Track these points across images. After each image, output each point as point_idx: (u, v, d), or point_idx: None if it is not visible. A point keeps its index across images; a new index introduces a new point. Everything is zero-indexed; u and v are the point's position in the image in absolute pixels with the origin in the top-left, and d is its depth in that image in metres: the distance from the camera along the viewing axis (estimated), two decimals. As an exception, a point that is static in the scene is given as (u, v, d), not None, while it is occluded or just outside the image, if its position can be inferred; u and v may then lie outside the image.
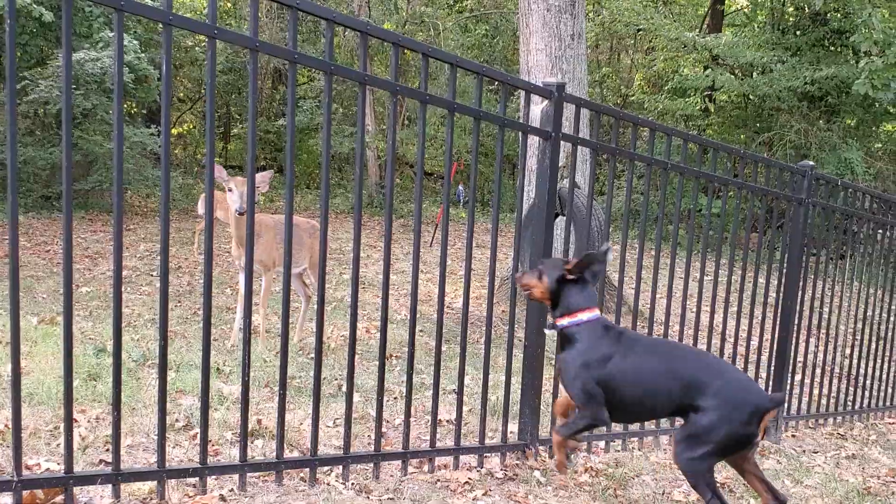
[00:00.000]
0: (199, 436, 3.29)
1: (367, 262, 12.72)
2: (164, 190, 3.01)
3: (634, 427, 4.91)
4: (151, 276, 11.31)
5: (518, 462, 4.25)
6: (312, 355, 6.73)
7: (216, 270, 11.49)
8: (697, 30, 20.62)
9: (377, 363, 6.15)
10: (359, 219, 3.60)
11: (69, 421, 2.89)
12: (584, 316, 3.38)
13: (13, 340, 2.79)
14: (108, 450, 3.58)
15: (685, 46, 18.50)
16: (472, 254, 4.05)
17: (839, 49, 17.33)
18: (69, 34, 2.72)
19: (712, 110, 19.49)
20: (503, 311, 9.18)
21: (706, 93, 19.21)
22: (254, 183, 3.33)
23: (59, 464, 3.18)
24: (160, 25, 3.00)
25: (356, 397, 4.73)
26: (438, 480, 3.81)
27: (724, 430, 3.15)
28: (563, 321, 3.40)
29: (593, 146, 4.35)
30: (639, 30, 19.73)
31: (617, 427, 4.84)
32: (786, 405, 5.81)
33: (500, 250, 7.79)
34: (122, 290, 8.94)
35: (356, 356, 6.14)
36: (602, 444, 4.72)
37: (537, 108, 4.05)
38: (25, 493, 2.82)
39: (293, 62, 3.18)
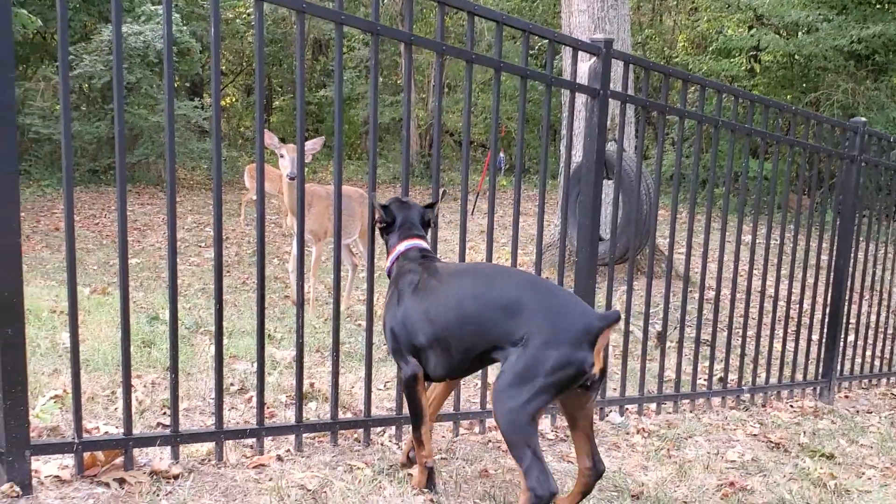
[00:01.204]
0: (254, 398, 3.33)
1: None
2: (216, 157, 3.03)
3: (686, 389, 4.88)
4: (200, 247, 11.45)
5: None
6: (359, 322, 6.83)
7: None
8: (742, -11, 20.22)
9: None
10: (406, 185, 3.59)
11: (127, 384, 2.94)
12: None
13: (71, 308, 2.83)
14: (164, 413, 3.63)
15: (729, 6, 18.18)
16: (519, 219, 4.02)
17: (886, 6, 16.89)
18: (119, 9, 2.72)
19: (758, 71, 19.15)
20: (547, 276, 9.15)
21: (751, 53, 18.86)
22: (303, 148, 3.33)
23: (117, 427, 3.23)
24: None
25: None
26: (490, 441, 3.82)
27: (550, 358, 2.54)
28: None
29: (642, 103, 4.28)
30: (682, -11, 19.42)
31: (668, 388, 4.81)
32: (838, 367, 5.74)
33: (549, 216, 7.72)
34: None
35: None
36: (653, 406, 4.70)
37: (585, 66, 3.99)
38: (86, 454, 2.87)
39: (339, 24, 3.17)
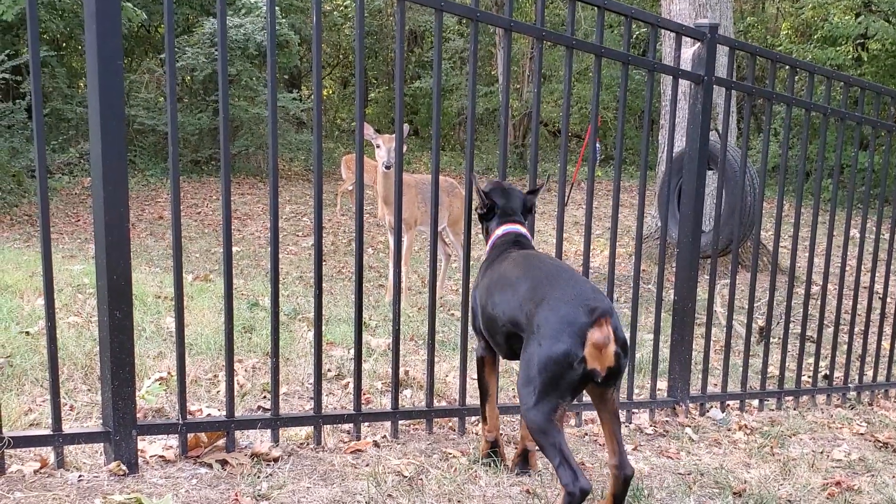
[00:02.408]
0: (351, 384, 3.35)
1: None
2: (317, 148, 3.05)
3: (790, 385, 4.74)
4: (297, 236, 11.64)
5: (668, 419, 4.16)
6: (452, 311, 6.84)
7: (357, 231, 11.72)
8: (849, -26, 19.51)
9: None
10: (503, 174, 3.56)
11: (230, 368, 2.99)
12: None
13: (177, 293, 2.89)
14: (265, 397, 3.69)
15: (836, -8, 17.57)
16: (618, 211, 3.95)
17: None
18: (224, 2, 2.77)
19: (865, 59, 18.45)
20: (644, 269, 9.01)
21: (858, 41, 18.19)
22: (402, 138, 3.34)
23: (219, 410, 3.29)
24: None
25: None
26: (586, 434, 3.77)
27: (538, 354, 2.51)
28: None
29: (748, 90, 4.16)
30: (786, -24, 18.84)
31: (771, 385, 4.68)
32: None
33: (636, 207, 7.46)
34: (268, 249, 9.28)
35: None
36: (756, 402, 4.57)
37: (688, 51, 3.90)
38: (190, 436, 2.93)
39: (439, 10, 3.15)
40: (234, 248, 10.22)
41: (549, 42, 3.54)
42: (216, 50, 15.55)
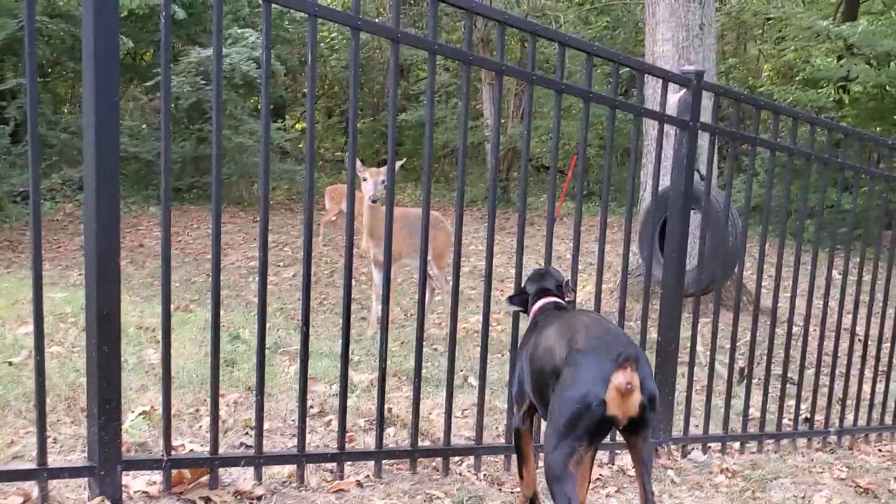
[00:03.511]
0: (333, 421, 3.35)
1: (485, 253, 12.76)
2: (309, 181, 3.07)
3: (771, 428, 4.76)
4: (278, 266, 11.60)
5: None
6: (435, 346, 6.82)
7: (340, 261, 11.70)
8: (831, 18, 19.81)
9: (499, 356, 6.17)
10: (492, 209, 3.58)
11: (215, 404, 2.98)
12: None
13: (164, 326, 2.89)
14: (247, 433, 3.67)
15: (818, 35, 17.82)
16: (604, 248, 3.97)
17: (985, 35, 16.38)
18: (220, 34, 2.79)
19: (846, 102, 18.69)
20: (628, 306, 9.00)
21: (840, 83, 18.44)
22: (394, 172, 3.36)
23: (202, 445, 3.28)
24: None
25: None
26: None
27: (562, 400, 2.54)
28: None
29: (732, 135, 4.21)
30: (768, 19, 19.10)
31: (752, 427, 4.70)
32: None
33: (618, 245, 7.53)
34: (250, 279, 9.16)
35: (478, 348, 6.15)
36: (737, 444, 4.58)
37: (674, 97, 3.95)
38: (174, 472, 2.92)
39: (433, 53, 3.18)
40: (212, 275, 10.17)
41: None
42: (202, 79, 15.71)
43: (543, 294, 3.35)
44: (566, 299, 3.38)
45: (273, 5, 2.84)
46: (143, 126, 16.81)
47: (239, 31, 16.26)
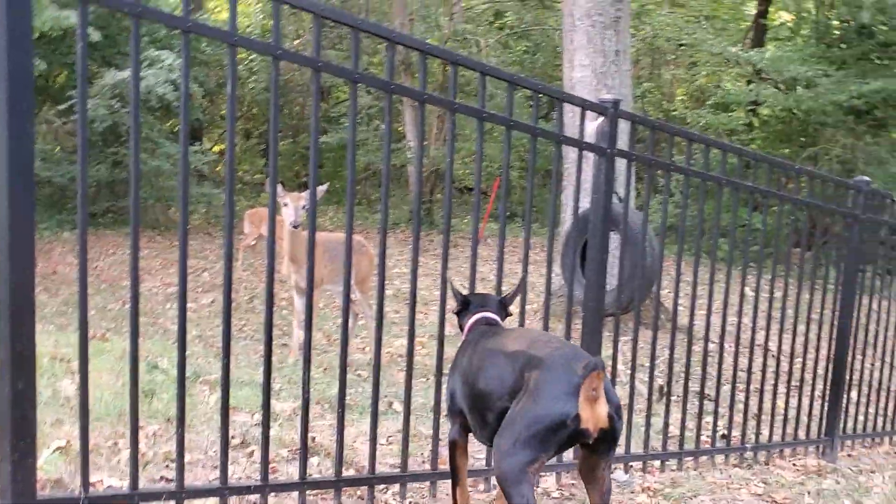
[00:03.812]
0: (256, 452, 3.30)
1: (410, 276, 12.74)
2: (229, 204, 3.04)
3: (690, 445, 4.85)
4: (196, 292, 11.40)
5: (574, 482, 4.20)
6: (359, 372, 6.79)
7: (260, 286, 11.56)
8: (740, 44, 20.45)
9: (424, 380, 6.18)
10: (417, 233, 3.59)
11: (135, 439, 2.91)
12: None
13: (81, 358, 2.82)
14: (167, 466, 3.60)
15: (728, 61, 18.37)
16: (527, 268, 4.02)
17: (886, 62, 17.08)
18: (137, 58, 2.75)
19: (756, 125, 19.30)
20: (553, 327, 9.08)
21: (750, 107, 19.03)
22: (315, 197, 3.35)
23: (120, 480, 3.20)
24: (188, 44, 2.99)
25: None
26: (494, 500, 3.78)
27: (529, 411, 2.55)
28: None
29: (648, 162, 4.32)
30: (681, 45, 19.60)
31: (671, 445, 4.79)
32: (841, 424, 5.71)
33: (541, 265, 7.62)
34: (167, 306, 8.99)
35: (402, 372, 6.13)
36: (657, 463, 4.66)
37: (592, 125, 4.03)
38: (92, 508, 2.84)
39: (354, 82, 3.19)
40: (128, 305, 9.95)
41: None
42: (117, 102, 15.40)
43: (480, 308, 3.38)
44: (506, 315, 3.43)
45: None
46: (57, 149, 16.39)
47: (155, 52, 16.01)
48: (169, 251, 14.45)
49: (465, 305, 3.44)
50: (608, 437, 2.60)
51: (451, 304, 3.53)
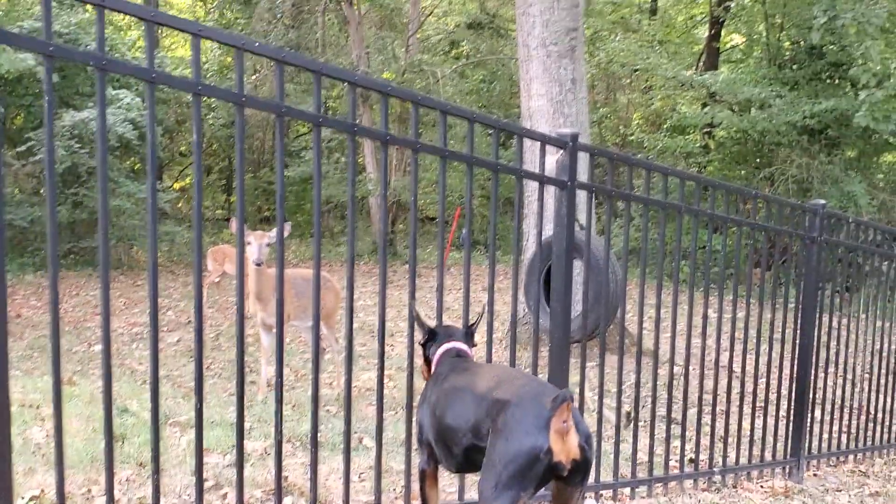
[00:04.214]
0: (231, 495, 3.32)
1: (375, 308, 12.74)
2: (197, 247, 3.06)
3: (659, 471, 4.90)
4: (162, 331, 11.32)
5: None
6: (327, 407, 6.78)
7: (225, 323, 11.52)
8: (694, 68, 20.82)
9: (393, 413, 6.19)
10: (384, 267, 3.63)
11: (110, 489, 2.91)
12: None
13: (56, 408, 2.83)
14: (141, 513, 3.59)
15: (682, 85, 18.67)
16: (493, 297, 4.07)
17: (837, 82, 17.45)
18: (103, 101, 2.79)
19: (712, 147, 19.60)
20: (519, 355, 9.12)
21: (705, 130, 19.32)
22: (283, 236, 3.40)
23: (94, 529, 3.19)
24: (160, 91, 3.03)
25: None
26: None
27: (503, 449, 2.58)
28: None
29: (608, 192, 4.41)
30: (635, 70, 19.91)
31: (641, 472, 4.84)
32: (806, 444, 5.79)
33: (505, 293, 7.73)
34: (133, 346, 8.87)
35: (371, 407, 6.13)
36: (627, 490, 4.71)
37: (552, 158, 4.11)
38: (66, 560, 2.83)
39: (318, 125, 3.24)
40: (97, 347, 9.87)
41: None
42: (76, 142, 15.31)
43: (447, 339, 3.45)
44: (473, 345, 3.48)
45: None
46: (17, 192, 16.24)
47: (114, 92, 16.00)
48: (132, 290, 14.36)
49: (432, 336, 3.49)
50: (580, 467, 2.64)
51: (418, 335, 3.58)
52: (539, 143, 4.09)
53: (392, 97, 3.45)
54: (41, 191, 16.50)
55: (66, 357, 9.38)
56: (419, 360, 3.63)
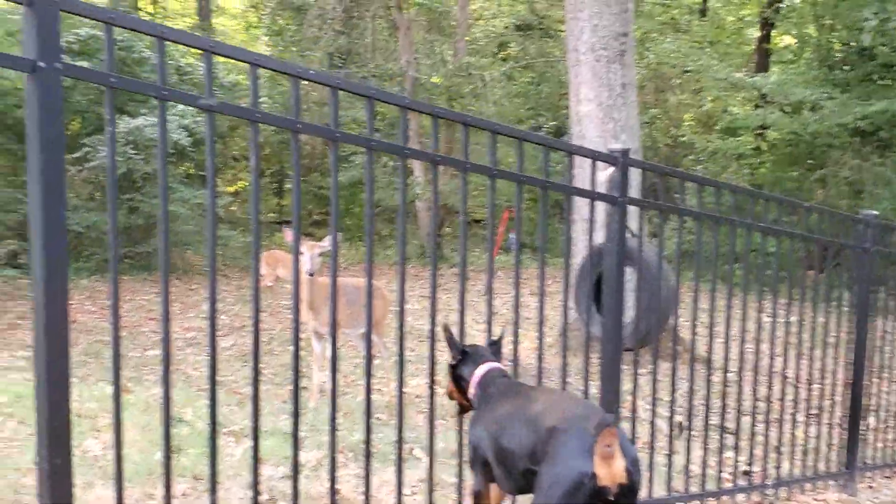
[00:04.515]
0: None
1: (423, 312, 12.75)
2: (254, 258, 3.12)
3: (711, 485, 4.85)
4: (217, 335, 11.45)
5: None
6: (377, 416, 6.80)
7: (278, 327, 11.63)
8: (744, 69, 20.60)
9: (443, 422, 6.20)
10: (434, 271, 3.67)
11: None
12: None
13: (115, 425, 2.89)
14: (198, 527, 3.66)
15: (733, 86, 18.49)
16: (543, 307, 4.07)
17: (889, 83, 17.18)
18: (164, 134, 2.85)
19: (765, 149, 19.38)
20: (569, 361, 9.08)
21: (758, 131, 19.12)
22: (336, 247, 3.43)
23: (153, 543, 3.26)
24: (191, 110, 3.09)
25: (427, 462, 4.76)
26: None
27: (551, 476, 2.65)
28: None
29: (659, 208, 4.40)
30: (686, 71, 19.75)
31: (693, 485, 4.80)
32: (859, 455, 5.70)
33: (554, 297, 7.80)
34: (187, 351, 8.93)
35: (420, 414, 6.15)
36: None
37: (603, 175, 4.11)
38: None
39: (334, 140, 3.28)
40: (152, 352, 10.05)
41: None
42: (132, 149, 15.56)
43: (482, 359, 3.46)
44: (504, 362, 3.51)
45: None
46: (73, 197, 16.56)
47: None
48: (187, 295, 14.57)
49: (465, 357, 3.51)
50: (628, 491, 2.65)
51: (449, 356, 3.57)
52: (590, 160, 4.10)
53: (440, 118, 3.48)
54: (97, 196, 16.81)
55: (122, 362, 9.49)
56: (443, 378, 3.65)
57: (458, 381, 3.49)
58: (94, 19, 2.61)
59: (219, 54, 2.84)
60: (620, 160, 4.05)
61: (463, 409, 3.59)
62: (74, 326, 11.73)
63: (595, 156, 4.07)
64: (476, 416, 3.33)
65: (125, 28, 2.75)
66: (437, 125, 3.44)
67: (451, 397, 3.60)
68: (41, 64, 2.40)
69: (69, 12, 2.50)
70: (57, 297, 2.56)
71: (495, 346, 3.61)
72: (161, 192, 2.87)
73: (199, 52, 2.88)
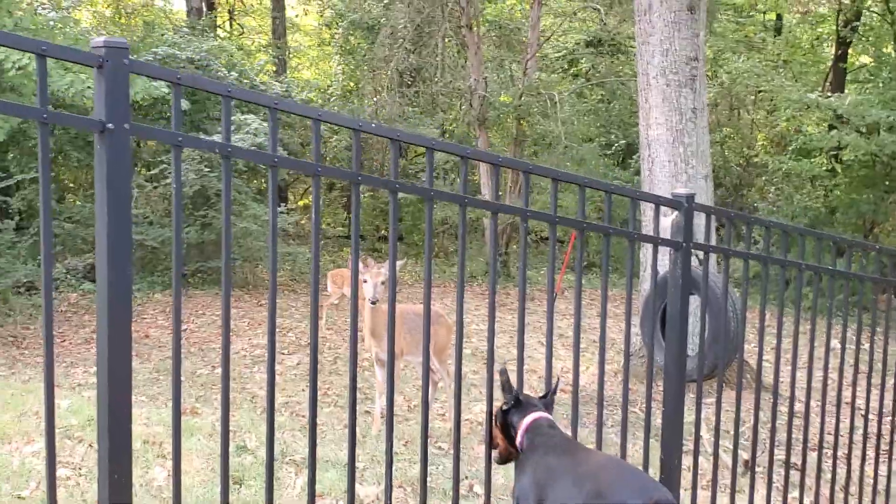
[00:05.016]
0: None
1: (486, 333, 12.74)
2: (314, 301, 3.16)
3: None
4: (282, 354, 11.56)
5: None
6: (439, 444, 6.80)
7: (343, 346, 11.70)
8: (820, 88, 20.17)
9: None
10: (493, 296, 3.66)
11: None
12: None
13: (175, 456, 2.92)
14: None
15: (808, 107, 18.13)
16: (605, 332, 4.01)
17: (968, 105, 16.69)
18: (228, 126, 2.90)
19: (839, 170, 18.96)
20: (631, 388, 8.96)
21: (832, 153, 18.71)
22: (395, 274, 3.45)
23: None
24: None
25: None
26: None
27: None
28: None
29: (725, 252, 4.34)
30: (759, 91, 19.43)
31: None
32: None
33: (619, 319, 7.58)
34: (254, 369, 8.98)
35: (483, 444, 6.12)
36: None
37: (667, 220, 4.07)
38: None
39: (356, 183, 3.30)
40: (220, 371, 10.17)
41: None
42: (206, 166, 15.91)
43: (532, 408, 3.45)
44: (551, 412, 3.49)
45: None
46: (149, 212, 16.98)
47: (242, 117, 16.58)
48: (257, 310, 14.76)
49: (517, 403, 3.49)
50: None
51: (500, 401, 3.55)
52: (654, 204, 4.06)
53: (504, 167, 3.49)
54: (170, 211, 17.17)
55: (190, 381, 9.66)
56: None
57: (507, 428, 3.48)
58: (162, 80, 2.68)
59: (283, 110, 2.90)
60: (685, 205, 4.01)
61: (504, 459, 3.56)
62: (147, 342, 11.97)
63: (659, 200, 4.03)
64: (521, 465, 3.31)
65: (191, 88, 2.79)
66: (498, 172, 3.45)
67: (493, 446, 3.56)
68: (110, 126, 2.47)
69: (139, 73, 2.57)
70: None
71: (546, 400, 3.59)
72: (224, 236, 2.92)
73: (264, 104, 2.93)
